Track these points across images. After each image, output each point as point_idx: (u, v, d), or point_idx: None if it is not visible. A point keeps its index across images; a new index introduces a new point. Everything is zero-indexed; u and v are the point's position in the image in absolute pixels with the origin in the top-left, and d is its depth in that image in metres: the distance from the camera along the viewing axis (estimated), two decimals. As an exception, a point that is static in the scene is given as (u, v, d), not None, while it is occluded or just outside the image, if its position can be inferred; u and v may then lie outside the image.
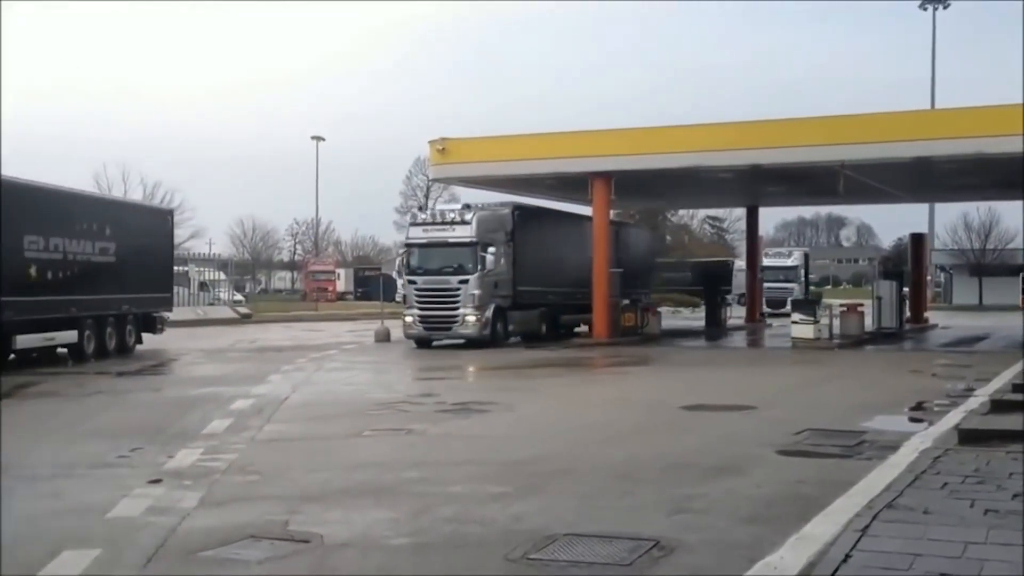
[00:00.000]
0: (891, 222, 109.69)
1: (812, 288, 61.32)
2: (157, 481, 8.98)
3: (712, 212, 75.96)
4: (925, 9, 66.09)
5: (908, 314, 37.99)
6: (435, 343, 27.05)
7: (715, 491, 8.32)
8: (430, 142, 29.47)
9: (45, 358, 22.48)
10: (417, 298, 26.81)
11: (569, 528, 7.07)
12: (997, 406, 11.87)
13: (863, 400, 14.84)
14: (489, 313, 26.41)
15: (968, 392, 15.16)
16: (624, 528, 7.10)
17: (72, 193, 24.97)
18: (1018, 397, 12.36)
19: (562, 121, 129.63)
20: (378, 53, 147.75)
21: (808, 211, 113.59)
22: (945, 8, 66.03)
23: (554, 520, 7.33)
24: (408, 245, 27.78)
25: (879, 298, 33.54)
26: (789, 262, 54.06)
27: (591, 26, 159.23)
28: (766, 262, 50.76)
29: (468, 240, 26.33)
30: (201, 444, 10.97)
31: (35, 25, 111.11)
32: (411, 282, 27.09)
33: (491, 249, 26.37)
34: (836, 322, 29.73)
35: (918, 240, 46.29)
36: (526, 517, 7.47)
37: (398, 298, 30.61)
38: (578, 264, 30.01)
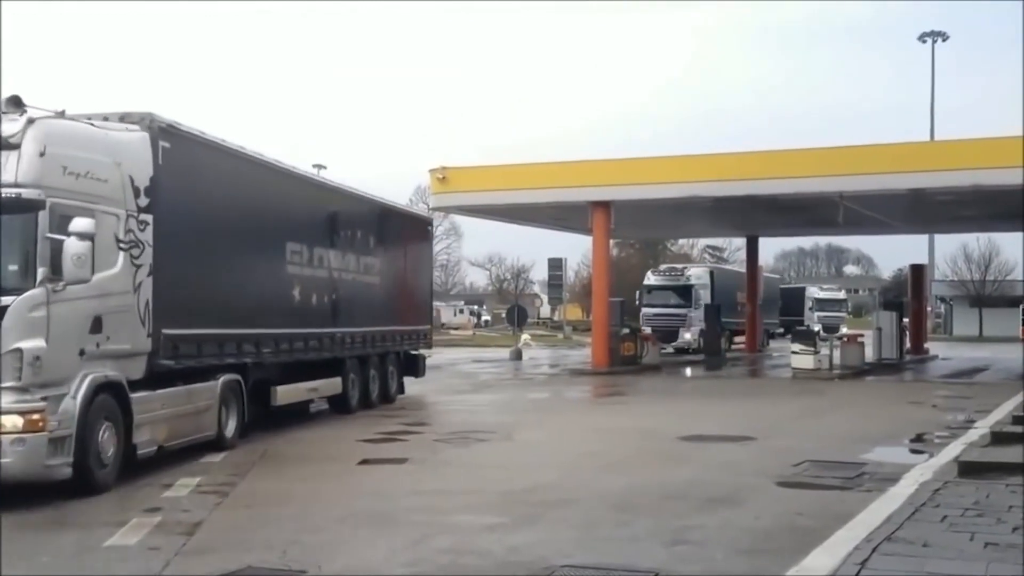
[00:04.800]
0: (891, 253, 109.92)
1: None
2: (155, 509, 8.95)
3: (712, 241, 76.10)
4: (924, 41, 66.57)
5: (908, 345, 37.98)
6: None
7: (713, 522, 8.30)
8: (431, 170, 29.58)
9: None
10: None
11: (567, 559, 7.03)
12: (997, 438, 11.85)
13: (863, 431, 14.80)
14: (74, 404, 9.78)
15: (968, 424, 15.13)
16: (622, 560, 7.06)
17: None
18: (1018, 429, 12.33)
19: (562, 149, 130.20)
20: (381, 78, 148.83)
21: (807, 241, 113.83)
22: (944, 41, 66.56)
23: (552, 551, 7.30)
24: None
25: (879, 329, 33.56)
26: (682, 282, 41.55)
27: (589, 50, 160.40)
28: (652, 280, 42.40)
29: (12, 192, 9.61)
30: (199, 472, 10.95)
31: (26, 36, 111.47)
32: None
33: (82, 225, 9.85)
34: (836, 352, 29.72)
35: (918, 271, 46.35)
36: (523, 548, 7.44)
37: None
38: (320, 277, 16.27)
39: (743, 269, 47.01)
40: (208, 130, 13.05)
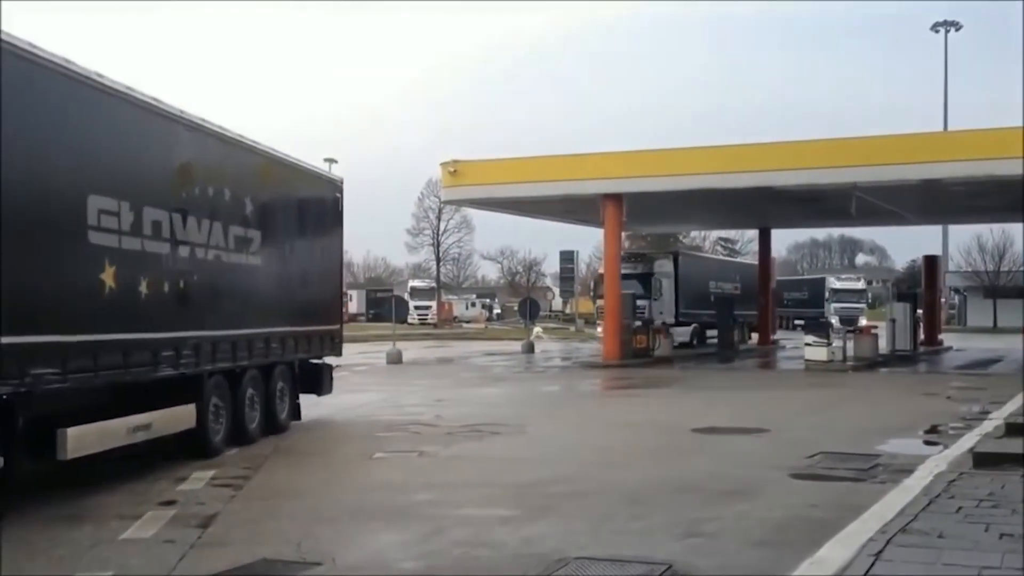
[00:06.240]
0: (905, 244, 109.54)
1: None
2: (170, 502, 9.00)
3: (724, 233, 75.86)
4: (937, 31, 66.14)
5: (922, 336, 37.81)
6: None
7: (727, 514, 8.29)
8: (442, 164, 29.59)
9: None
10: None
11: (580, 551, 7.04)
12: (1012, 429, 11.79)
13: (877, 423, 14.77)
14: None
15: (983, 415, 15.09)
16: (636, 552, 7.07)
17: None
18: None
19: (576, 142, 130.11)
20: (393, 73, 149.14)
21: (821, 233, 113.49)
22: (957, 31, 66.11)
23: (565, 543, 7.30)
24: None
25: (893, 320, 33.47)
26: (640, 269, 35.75)
27: (601, 49, 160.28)
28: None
29: None
30: (214, 465, 10.99)
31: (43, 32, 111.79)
32: None
33: None
34: (850, 344, 29.62)
35: (932, 262, 46.14)
36: (537, 540, 7.45)
37: (410, 320, 28.66)
38: (156, 255, 10.52)
39: (715, 256, 43.99)
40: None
